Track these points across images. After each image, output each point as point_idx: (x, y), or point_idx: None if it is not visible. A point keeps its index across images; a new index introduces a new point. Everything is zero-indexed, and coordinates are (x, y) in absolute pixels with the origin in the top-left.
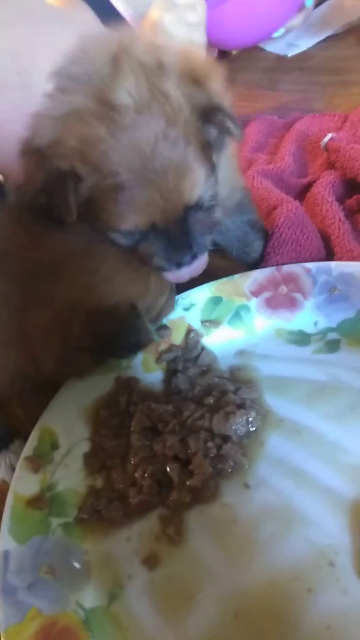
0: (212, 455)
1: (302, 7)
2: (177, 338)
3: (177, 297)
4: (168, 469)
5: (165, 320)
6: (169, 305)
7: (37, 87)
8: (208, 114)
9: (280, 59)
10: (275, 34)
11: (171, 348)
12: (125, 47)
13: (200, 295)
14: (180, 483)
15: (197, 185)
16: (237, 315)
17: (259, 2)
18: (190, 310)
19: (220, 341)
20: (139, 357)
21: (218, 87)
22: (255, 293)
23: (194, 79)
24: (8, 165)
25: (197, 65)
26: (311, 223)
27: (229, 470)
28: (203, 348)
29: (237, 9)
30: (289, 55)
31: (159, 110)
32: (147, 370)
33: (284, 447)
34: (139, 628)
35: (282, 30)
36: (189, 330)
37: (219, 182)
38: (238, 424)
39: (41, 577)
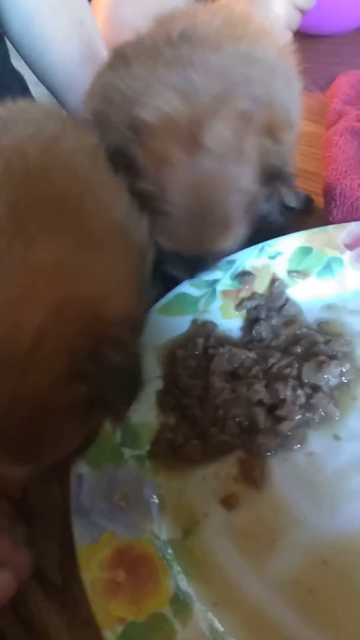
0: (301, 403)
1: None
2: (260, 286)
3: (263, 244)
4: (253, 413)
5: (248, 267)
6: None
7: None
8: (273, 177)
9: None
10: None
11: (253, 296)
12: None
13: (289, 244)
14: (265, 428)
15: (230, 241)
16: (327, 267)
17: None
18: (276, 258)
19: (307, 293)
20: (217, 303)
21: (290, 139)
22: (350, 246)
23: (271, 133)
24: None
25: (277, 118)
26: None
27: (317, 420)
28: (288, 299)
29: None
30: None
31: (233, 162)
32: (226, 316)
33: None
34: (216, 564)
35: None
36: (274, 279)
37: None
38: (330, 375)
39: (115, 503)
